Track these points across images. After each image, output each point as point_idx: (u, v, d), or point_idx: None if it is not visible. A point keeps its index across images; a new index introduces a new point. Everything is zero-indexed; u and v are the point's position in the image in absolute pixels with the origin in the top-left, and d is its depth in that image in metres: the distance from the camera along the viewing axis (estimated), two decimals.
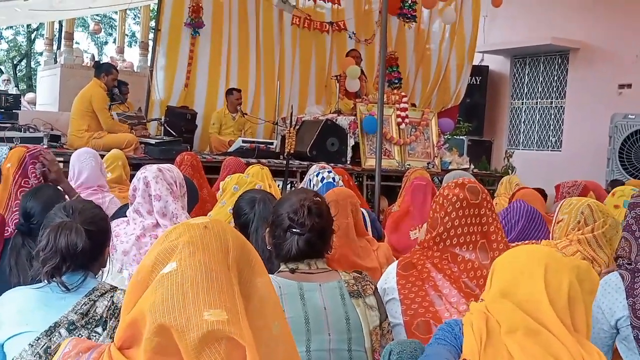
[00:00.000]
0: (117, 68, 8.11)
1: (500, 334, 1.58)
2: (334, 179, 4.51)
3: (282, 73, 9.84)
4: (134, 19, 21.83)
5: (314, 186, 4.50)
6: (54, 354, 1.80)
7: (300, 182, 7.54)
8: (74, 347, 1.28)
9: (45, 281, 2.01)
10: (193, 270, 1.15)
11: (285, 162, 7.40)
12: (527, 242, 3.12)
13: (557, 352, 1.52)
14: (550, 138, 12.75)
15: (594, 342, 2.27)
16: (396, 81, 10.59)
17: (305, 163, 7.80)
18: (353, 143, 8.33)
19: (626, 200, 4.10)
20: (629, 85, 11.28)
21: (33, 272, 2.08)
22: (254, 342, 1.12)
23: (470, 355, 1.59)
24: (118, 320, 1.87)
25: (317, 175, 4.58)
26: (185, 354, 1.09)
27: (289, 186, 7.41)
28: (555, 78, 12.66)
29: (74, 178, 4.33)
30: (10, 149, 4.11)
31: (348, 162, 8.04)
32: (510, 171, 10.01)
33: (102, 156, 5.50)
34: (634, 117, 9.81)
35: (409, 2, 10.59)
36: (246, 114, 8.87)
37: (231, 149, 8.03)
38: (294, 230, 2.18)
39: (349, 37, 10.47)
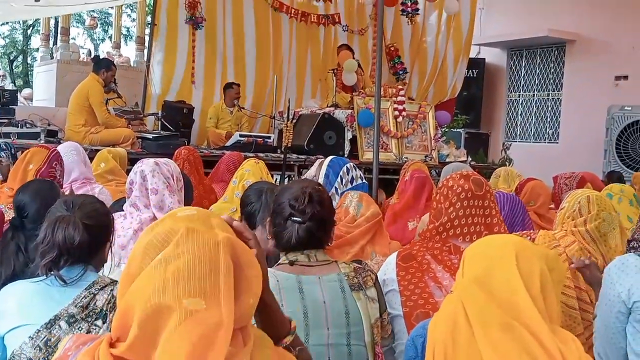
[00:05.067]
0: (114, 63, 8.11)
1: (473, 335, 1.58)
2: (361, 176, 4.46)
3: (279, 67, 9.83)
4: (129, 16, 21.76)
5: (344, 184, 4.38)
6: (54, 347, 1.82)
7: (299, 175, 7.54)
8: (74, 342, 1.30)
9: (44, 275, 2.01)
10: (177, 260, 1.17)
11: (282, 156, 7.40)
12: (525, 232, 3.12)
13: (531, 348, 1.53)
14: (547, 130, 12.76)
15: (612, 330, 2.25)
16: (401, 72, 10.60)
17: (302, 157, 7.81)
18: (350, 136, 8.33)
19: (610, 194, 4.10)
20: (625, 77, 11.29)
21: (32, 266, 2.08)
22: (231, 328, 1.16)
23: None
24: None
25: (347, 173, 4.45)
26: (163, 335, 1.13)
27: (286, 180, 7.40)
28: (552, 70, 12.66)
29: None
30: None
31: (346, 156, 8.03)
32: (507, 163, 10.02)
33: (97, 151, 5.52)
34: (630, 108, 9.83)
35: None
36: (243, 108, 8.87)
37: (228, 144, 8.04)
38: (294, 218, 2.15)
39: (343, 30, 10.46)
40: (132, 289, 1.19)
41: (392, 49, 10.60)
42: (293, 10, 10.00)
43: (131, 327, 1.16)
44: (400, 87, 9.12)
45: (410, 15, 10.62)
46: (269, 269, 2.17)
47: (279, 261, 2.22)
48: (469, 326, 1.59)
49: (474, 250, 1.74)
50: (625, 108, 9.84)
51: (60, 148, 4.52)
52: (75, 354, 1.25)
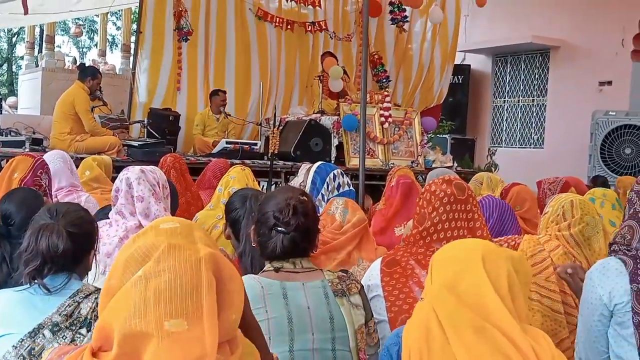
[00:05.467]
0: (100, 71, 8.09)
1: (446, 339, 1.58)
2: (348, 183, 4.47)
3: (265, 74, 9.84)
4: (115, 24, 21.71)
5: (330, 191, 4.39)
6: (38, 356, 1.81)
7: (286, 182, 7.54)
8: (57, 353, 1.29)
9: (27, 283, 2.00)
10: (157, 277, 1.17)
11: (269, 162, 7.41)
12: (510, 237, 3.14)
13: (505, 348, 1.54)
14: (533, 135, 12.84)
15: (594, 333, 2.26)
16: (384, 80, 10.63)
17: (289, 163, 7.81)
18: (337, 143, 8.36)
19: (592, 198, 4.11)
20: (609, 83, 11.39)
21: (16, 275, 2.07)
22: (216, 344, 1.15)
23: None
24: None
25: (334, 180, 4.46)
26: (147, 358, 1.12)
27: (273, 186, 7.40)
28: (537, 76, 12.75)
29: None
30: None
31: (332, 162, 8.04)
32: (493, 169, 10.07)
33: (82, 159, 5.49)
34: (614, 113, 9.90)
35: (396, 3, 10.60)
36: (230, 115, 8.86)
37: (215, 150, 8.03)
38: (278, 229, 2.17)
39: (330, 37, 10.48)
40: (112, 305, 1.18)
41: (376, 57, 10.63)
42: (278, 19, 10.00)
43: (112, 341, 1.16)
44: (386, 93, 9.16)
45: (400, 22, 10.66)
46: (254, 275, 2.19)
47: (264, 268, 2.23)
48: (442, 331, 1.60)
49: (441, 255, 1.76)
50: (610, 113, 9.91)
51: (46, 156, 4.50)
52: None
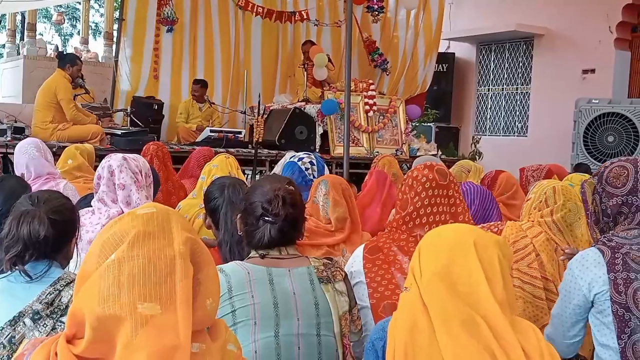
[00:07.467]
0: (82, 59, 8.02)
1: (433, 332, 1.55)
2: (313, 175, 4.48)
3: (249, 63, 9.79)
4: (97, 10, 21.51)
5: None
6: (19, 344, 1.80)
7: (270, 171, 7.53)
8: (33, 344, 1.29)
9: (8, 270, 1.99)
10: (131, 262, 1.17)
11: (254, 151, 7.39)
12: (492, 224, 3.15)
13: (492, 345, 1.52)
14: (516, 124, 12.88)
15: (572, 321, 2.31)
16: (381, 64, 10.60)
17: (274, 152, 7.80)
18: (322, 131, 8.36)
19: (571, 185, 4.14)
20: (593, 71, 11.43)
21: None
22: (189, 333, 1.15)
23: None
24: None
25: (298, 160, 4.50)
26: (120, 342, 1.12)
27: (257, 175, 7.40)
28: (521, 64, 12.79)
29: (25, 172, 4.26)
30: None
31: (317, 150, 8.05)
32: (477, 157, 10.11)
33: (65, 148, 5.45)
34: (597, 101, 9.93)
35: None
36: (214, 104, 8.83)
37: (199, 139, 8.00)
38: (266, 219, 2.18)
39: (314, 24, 10.41)
40: (85, 289, 1.18)
41: (367, 42, 10.57)
42: (258, 8, 9.90)
43: (85, 327, 1.16)
44: (370, 81, 9.15)
45: (376, 12, 10.59)
46: (239, 262, 2.20)
47: (250, 255, 2.24)
48: (429, 323, 1.56)
49: (429, 241, 1.70)
50: (593, 101, 9.93)
51: (19, 145, 4.46)
52: (32, 352, 1.24)
